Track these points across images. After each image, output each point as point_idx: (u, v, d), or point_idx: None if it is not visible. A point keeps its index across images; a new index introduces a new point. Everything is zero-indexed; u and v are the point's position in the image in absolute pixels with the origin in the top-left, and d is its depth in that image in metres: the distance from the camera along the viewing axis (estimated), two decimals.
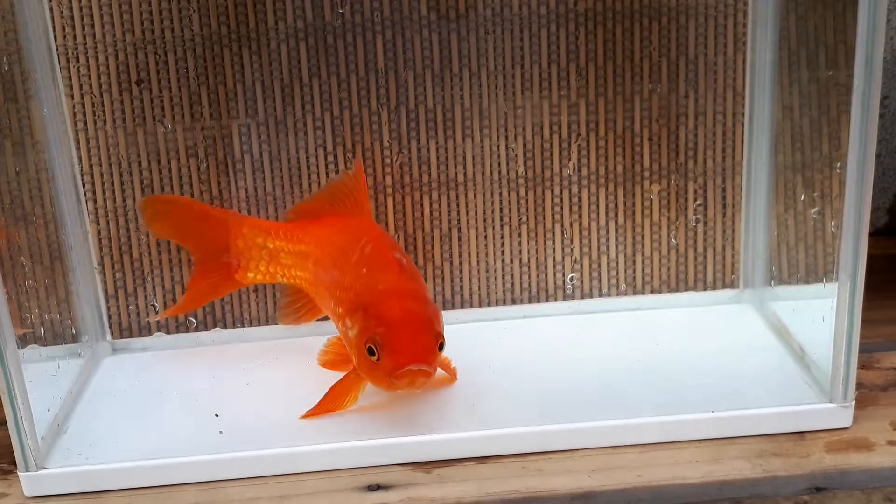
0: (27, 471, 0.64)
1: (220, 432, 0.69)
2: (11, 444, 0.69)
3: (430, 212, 0.86)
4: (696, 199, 0.86)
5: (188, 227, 0.80)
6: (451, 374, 0.74)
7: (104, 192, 0.84)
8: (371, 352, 0.64)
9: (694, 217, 0.86)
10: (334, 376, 0.72)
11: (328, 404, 0.70)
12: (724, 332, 0.81)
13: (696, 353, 0.77)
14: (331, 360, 0.74)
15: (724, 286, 0.88)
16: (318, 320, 0.81)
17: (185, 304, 0.81)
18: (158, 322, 0.86)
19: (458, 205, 0.86)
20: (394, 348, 0.64)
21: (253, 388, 0.76)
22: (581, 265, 0.87)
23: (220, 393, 0.75)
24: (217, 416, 0.71)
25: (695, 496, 0.63)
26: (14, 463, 0.68)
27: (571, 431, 0.67)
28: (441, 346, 0.66)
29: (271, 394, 0.75)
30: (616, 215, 0.86)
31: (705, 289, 0.88)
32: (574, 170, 0.85)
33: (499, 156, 0.85)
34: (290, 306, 0.80)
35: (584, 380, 0.74)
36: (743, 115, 0.84)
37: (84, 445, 0.68)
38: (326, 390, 0.70)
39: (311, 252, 0.76)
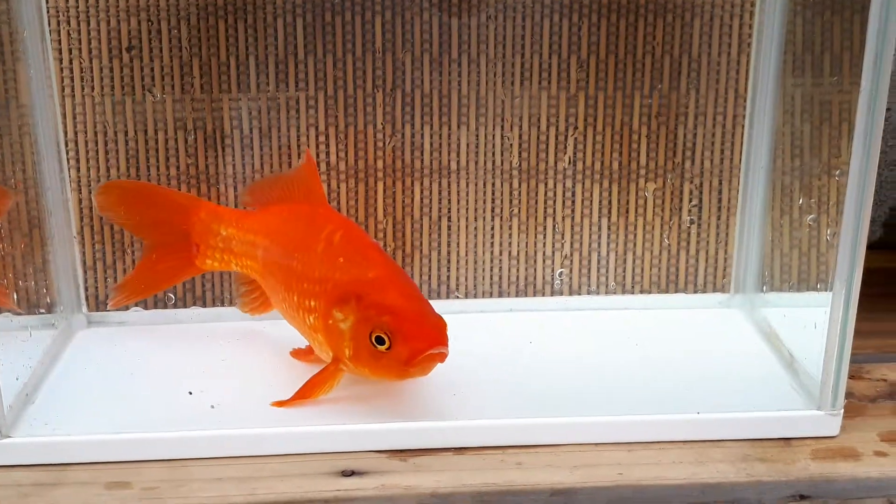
0: None
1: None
2: None
3: (421, 199, 0.84)
4: (691, 200, 0.85)
5: (146, 210, 0.77)
6: None
7: (88, 161, 0.82)
8: (380, 341, 0.63)
9: (688, 218, 0.85)
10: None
11: (303, 394, 0.68)
12: (713, 335, 0.80)
13: (683, 354, 0.76)
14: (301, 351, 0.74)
15: (715, 289, 0.86)
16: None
17: (142, 289, 0.78)
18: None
19: (449, 193, 0.84)
20: (409, 334, 0.62)
21: (229, 367, 0.74)
22: (571, 261, 0.86)
23: (194, 371, 0.73)
24: (191, 393, 0.69)
25: (677, 497, 0.62)
26: None
27: (553, 426, 0.66)
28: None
29: (246, 375, 0.73)
30: (609, 212, 0.85)
31: (695, 291, 0.86)
32: (569, 163, 0.84)
33: (493, 145, 0.83)
34: (246, 296, 0.78)
35: (568, 376, 0.72)
36: (744, 117, 0.83)
37: (52, 416, 0.66)
38: (301, 376, 0.69)
39: (259, 241, 0.73)
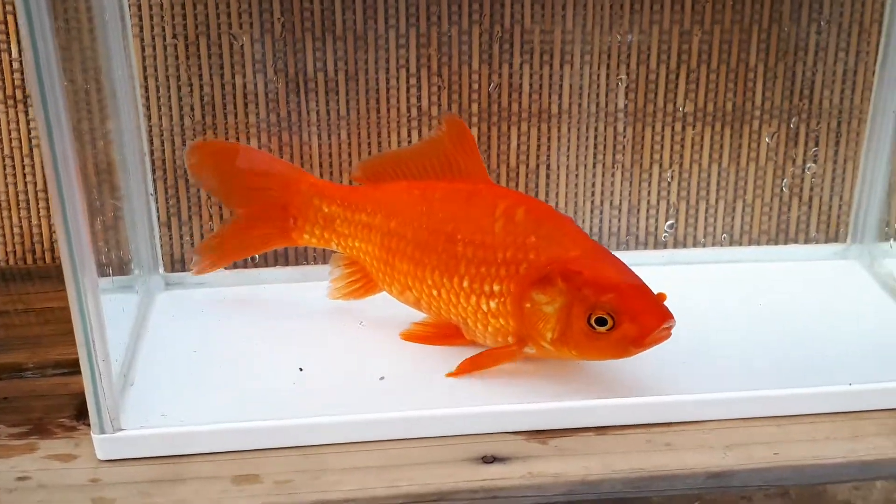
0: (103, 433, 0.57)
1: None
2: (76, 395, 0.63)
3: (518, 145, 0.78)
4: (806, 143, 0.79)
5: (242, 178, 0.70)
6: None
7: (160, 109, 0.75)
8: (601, 322, 0.58)
9: (810, 164, 0.79)
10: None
11: (474, 365, 0.64)
12: (836, 290, 0.75)
13: (811, 314, 0.71)
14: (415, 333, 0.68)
15: (828, 240, 0.81)
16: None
17: (228, 254, 0.72)
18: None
19: (549, 139, 0.78)
20: (636, 312, 0.58)
21: (329, 338, 0.69)
22: (677, 211, 0.80)
23: (295, 342, 0.68)
24: (301, 370, 0.65)
25: (837, 476, 0.58)
26: (78, 417, 0.61)
27: (699, 402, 0.61)
28: None
29: (351, 345, 0.68)
30: (720, 158, 0.79)
31: (806, 241, 0.82)
32: (682, 105, 0.78)
33: (598, 86, 0.77)
34: (342, 279, 0.71)
35: (696, 343, 0.67)
36: (867, 53, 0.77)
37: (159, 402, 0.61)
38: (407, 349, 0.66)
39: (378, 223, 0.67)
